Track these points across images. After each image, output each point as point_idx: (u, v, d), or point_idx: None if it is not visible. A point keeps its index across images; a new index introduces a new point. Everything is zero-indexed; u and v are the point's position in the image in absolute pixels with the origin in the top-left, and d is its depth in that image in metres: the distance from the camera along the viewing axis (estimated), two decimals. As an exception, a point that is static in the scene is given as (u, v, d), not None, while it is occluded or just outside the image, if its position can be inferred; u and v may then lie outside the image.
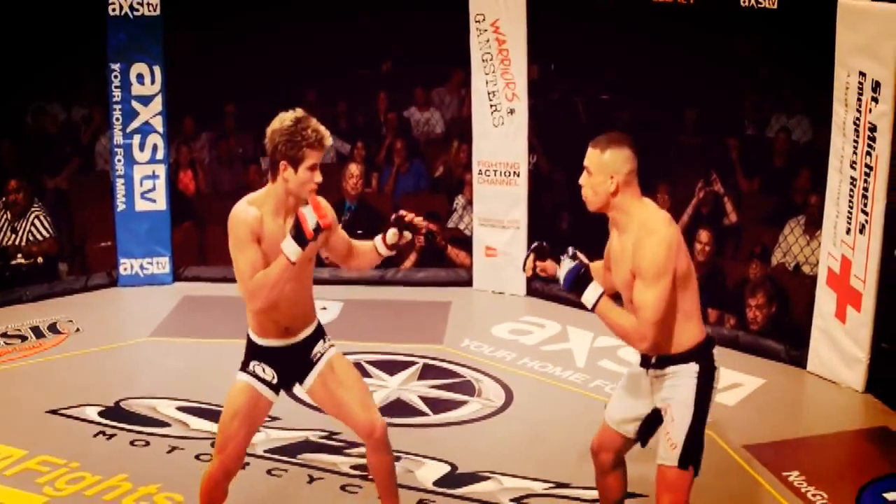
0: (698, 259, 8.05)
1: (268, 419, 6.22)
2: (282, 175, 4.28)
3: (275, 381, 4.54)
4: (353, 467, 5.67)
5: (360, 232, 9.06)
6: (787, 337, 7.35)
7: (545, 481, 5.58)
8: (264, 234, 4.30)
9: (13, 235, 8.92)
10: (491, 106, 8.68)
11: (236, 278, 4.31)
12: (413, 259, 9.19)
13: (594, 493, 5.33)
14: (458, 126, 10.74)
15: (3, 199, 8.98)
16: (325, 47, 11.42)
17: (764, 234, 8.54)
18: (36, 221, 8.93)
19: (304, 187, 4.29)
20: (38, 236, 8.93)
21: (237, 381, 4.56)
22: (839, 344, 6.81)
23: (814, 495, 5.38)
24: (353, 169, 9.27)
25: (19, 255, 8.86)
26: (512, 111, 8.62)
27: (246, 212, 4.29)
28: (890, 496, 5.36)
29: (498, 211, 8.77)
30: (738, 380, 6.95)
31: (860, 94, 6.45)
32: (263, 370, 4.53)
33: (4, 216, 8.96)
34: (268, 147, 4.30)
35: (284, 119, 4.29)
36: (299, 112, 4.32)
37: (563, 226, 9.45)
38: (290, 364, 4.57)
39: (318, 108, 11.26)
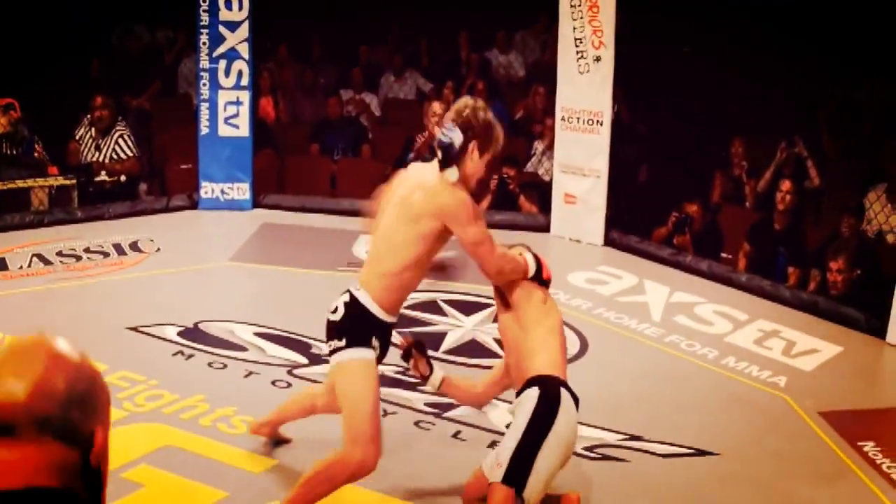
0: (779, 207, 7.99)
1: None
2: (469, 154, 4.23)
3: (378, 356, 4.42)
4: (427, 404, 5.71)
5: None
6: (868, 306, 7.26)
7: (617, 432, 5.57)
8: None
9: (97, 153, 9.03)
10: (577, 53, 8.60)
11: (478, 251, 4.26)
12: (489, 200, 9.17)
13: (667, 448, 5.39)
14: (539, 70, 10.67)
15: (89, 115, 9.08)
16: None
17: (847, 201, 8.42)
18: (120, 140, 9.03)
19: (474, 176, 4.30)
20: (122, 155, 9.03)
21: (358, 359, 4.29)
22: (921, 316, 6.74)
23: (889, 468, 5.31)
24: (437, 108, 9.23)
25: (103, 173, 8.97)
26: (598, 59, 8.53)
27: (464, 193, 4.24)
28: (967, 473, 5.31)
29: (579, 159, 8.72)
30: (816, 346, 6.89)
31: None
32: (377, 347, 4.34)
33: (89, 133, 9.06)
34: (459, 122, 4.24)
35: (484, 108, 4.32)
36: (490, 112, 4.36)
37: (642, 178, 9.40)
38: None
39: (400, 44, 11.29)
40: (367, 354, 4.29)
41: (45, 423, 1.49)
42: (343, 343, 4.27)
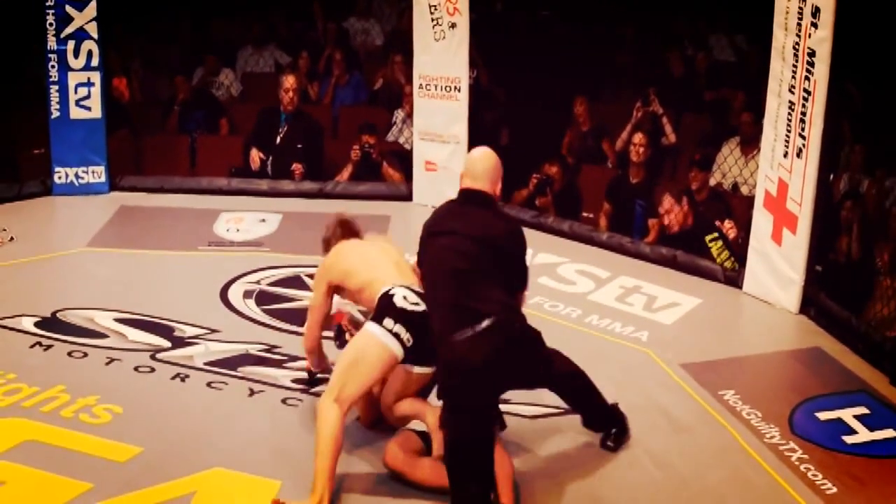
0: (633, 160, 8.13)
1: (207, 331, 6.26)
2: None
3: None
4: (294, 381, 5.67)
5: (299, 146, 9.01)
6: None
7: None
8: None
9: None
10: (433, 20, 8.60)
11: None
12: (350, 171, 9.12)
13: (534, 410, 5.45)
14: (397, 38, 10.62)
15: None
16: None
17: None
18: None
19: None
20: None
21: None
22: (775, 265, 6.92)
23: (748, 414, 5.47)
24: (288, 82, 9.06)
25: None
26: (453, 25, 8.55)
27: None
28: (822, 415, 5.47)
29: (438, 125, 8.75)
30: (676, 299, 7.04)
31: (800, 18, 6.48)
32: None
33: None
34: None
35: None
36: None
37: (503, 141, 9.44)
38: None
39: (255, 16, 11.12)
40: None
41: None
42: None
